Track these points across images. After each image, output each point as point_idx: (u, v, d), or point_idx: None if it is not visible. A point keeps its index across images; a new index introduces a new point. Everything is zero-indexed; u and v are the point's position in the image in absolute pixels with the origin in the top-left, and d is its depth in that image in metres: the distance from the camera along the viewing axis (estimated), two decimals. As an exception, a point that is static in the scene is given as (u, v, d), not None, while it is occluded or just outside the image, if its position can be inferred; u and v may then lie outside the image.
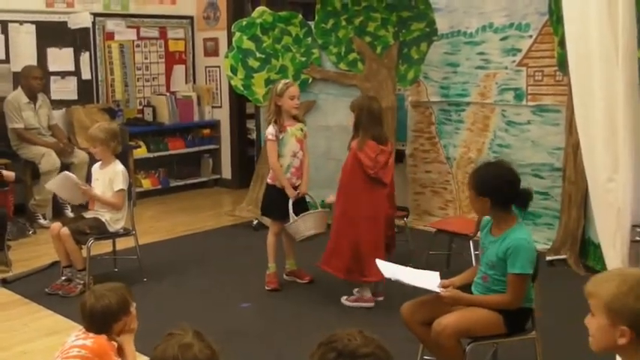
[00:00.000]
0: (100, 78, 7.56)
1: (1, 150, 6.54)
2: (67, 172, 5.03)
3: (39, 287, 4.78)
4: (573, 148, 5.12)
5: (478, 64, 6.13)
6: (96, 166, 4.95)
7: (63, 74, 7.23)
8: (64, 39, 7.20)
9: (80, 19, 7.24)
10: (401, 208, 5.56)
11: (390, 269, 3.37)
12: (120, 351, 2.65)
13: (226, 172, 8.38)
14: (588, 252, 5.16)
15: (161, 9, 8.02)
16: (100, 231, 4.77)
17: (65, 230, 4.61)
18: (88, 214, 4.88)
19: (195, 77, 8.40)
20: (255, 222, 6.33)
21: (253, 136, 8.12)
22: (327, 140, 6.12)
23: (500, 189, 2.97)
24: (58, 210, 6.71)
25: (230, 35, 6.78)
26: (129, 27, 7.75)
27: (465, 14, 6.19)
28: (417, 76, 6.25)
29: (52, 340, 3.89)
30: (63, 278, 4.76)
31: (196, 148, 8.24)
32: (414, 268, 3.54)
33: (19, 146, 6.52)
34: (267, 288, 4.78)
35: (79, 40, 7.31)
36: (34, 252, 5.65)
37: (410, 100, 6.65)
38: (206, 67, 8.34)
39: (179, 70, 8.27)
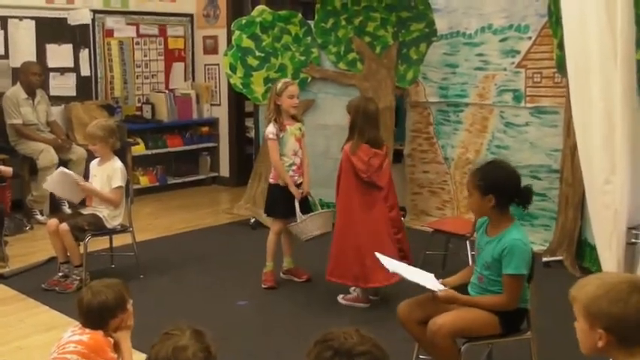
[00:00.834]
0: (99, 75, 7.56)
1: (-1, 145, 6.55)
2: (63, 168, 5.03)
3: (36, 283, 4.78)
4: (571, 150, 5.13)
5: (477, 65, 6.14)
6: (94, 163, 4.95)
7: (62, 70, 7.23)
8: (64, 35, 7.20)
9: (80, 16, 7.24)
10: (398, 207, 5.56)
11: (390, 263, 3.37)
12: (116, 347, 2.65)
13: (224, 170, 8.39)
14: (584, 253, 5.16)
15: (161, 6, 8.02)
16: (98, 227, 4.77)
17: (65, 226, 4.61)
18: (86, 211, 4.88)
19: (194, 75, 8.40)
20: (252, 220, 6.33)
21: (252, 134, 8.12)
22: (326, 139, 6.12)
23: (505, 187, 2.98)
24: (55, 206, 6.71)
25: (230, 33, 6.78)
26: (128, 24, 7.75)
27: (464, 15, 6.20)
28: (416, 76, 6.26)
29: (48, 335, 3.89)
30: (60, 274, 4.76)
31: (195, 146, 8.24)
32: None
33: (18, 142, 6.52)
34: (263, 286, 4.78)
35: (79, 36, 7.31)
36: (31, 248, 5.66)
37: (408, 101, 6.65)
38: (205, 65, 8.34)
39: (178, 68, 8.27)
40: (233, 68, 6.18)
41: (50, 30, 7.07)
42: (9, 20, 6.80)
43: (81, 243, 4.70)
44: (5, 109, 6.48)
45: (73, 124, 7.08)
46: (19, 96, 6.48)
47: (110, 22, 7.58)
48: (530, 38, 5.77)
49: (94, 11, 7.38)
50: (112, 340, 2.64)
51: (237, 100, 8.08)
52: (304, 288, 4.83)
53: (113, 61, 7.68)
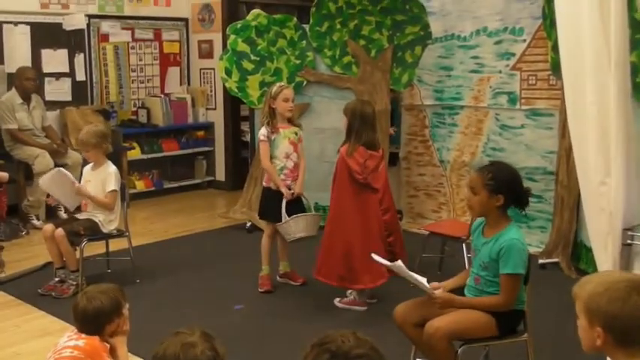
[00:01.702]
0: (94, 79, 7.55)
1: (-6, 151, 6.55)
2: (61, 169, 5.00)
3: (32, 288, 4.77)
4: (566, 152, 5.15)
5: (472, 68, 6.15)
6: (87, 168, 4.94)
7: (57, 75, 7.22)
8: (59, 40, 7.19)
9: (75, 21, 7.24)
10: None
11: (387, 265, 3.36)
12: (112, 352, 2.65)
13: (220, 174, 8.39)
14: (580, 255, 5.18)
15: (156, 11, 8.01)
16: (94, 232, 4.77)
17: (60, 231, 4.61)
18: (82, 216, 4.87)
19: (189, 79, 8.40)
20: (248, 224, 6.33)
21: (247, 138, 8.11)
22: (321, 142, 6.13)
23: (514, 188, 3.01)
24: (51, 211, 6.70)
25: (225, 37, 6.78)
26: (124, 29, 7.74)
27: (459, 18, 6.21)
28: (411, 79, 6.27)
29: (44, 341, 3.88)
30: (56, 279, 4.75)
31: (190, 150, 8.24)
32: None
33: (13, 147, 6.51)
34: (260, 290, 4.78)
35: (74, 41, 7.31)
36: (26, 253, 5.64)
37: (403, 104, 6.67)
38: (201, 69, 8.34)
39: (174, 72, 8.27)
40: (228, 72, 6.18)
41: (45, 35, 7.07)
42: (4, 25, 6.79)
43: (77, 248, 4.69)
44: (0, 114, 6.47)
45: (69, 128, 7.07)
46: (14, 101, 6.47)
47: (105, 26, 7.58)
48: (524, 41, 5.79)
49: (89, 16, 7.37)
50: (108, 345, 2.63)
51: (233, 104, 8.08)
52: (301, 291, 4.83)
53: (108, 66, 7.67)
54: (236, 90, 6.25)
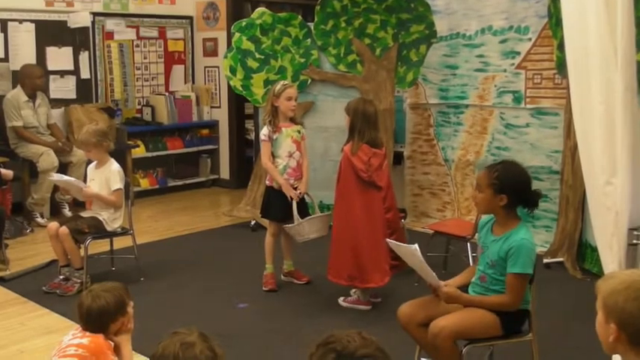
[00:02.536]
0: (99, 77, 7.56)
1: (-1, 148, 6.56)
2: (70, 178, 5.03)
3: (36, 286, 4.78)
4: (571, 151, 5.14)
5: (477, 67, 6.14)
6: (91, 166, 4.95)
7: (62, 73, 7.23)
8: (64, 38, 7.20)
9: (80, 19, 7.25)
10: (398, 209, 5.56)
11: (401, 249, 3.31)
12: (117, 350, 2.65)
13: (224, 173, 8.39)
14: (585, 255, 5.16)
15: (161, 9, 8.02)
16: (98, 230, 4.77)
17: (64, 229, 4.61)
18: (86, 214, 4.88)
19: (194, 77, 8.40)
20: (252, 222, 6.33)
21: (252, 136, 8.12)
22: (325, 141, 6.13)
23: (519, 189, 3.00)
24: (55, 209, 6.71)
25: (229, 36, 6.78)
26: (128, 27, 7.75)
27: (464, 17, 6.20)
28: (416, 78, 6.26)
29: (49, 338, 3.89)
30: (60, 277, 4.76)
31: (195, 148, 8.24)
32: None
33: (18, 145, 6.52)
34: (264, 288, 4.78)
35: (79, 39, 7.31)
36: (31, 251, 5.66)
37: (408, 102, 6.66)
38: (205, 67, 8.34)
39: (178, 70, 8.28)
40: (233, 70, 6.18)
41: (50, 33, 7.07)
42: (9, 23, 6.80)
43: (81, 246, 4.70)
44: (6, 111, 6.48)
45: (73, 126, 7.07)
46: (19, 99, 6.48)
47: (110, 24, 7.58)
48: (530, 39, 5.77)
49: (94, 14, 7.38)
50: (112, 343, 2.63)
51: (237, 102, 8.08)
52: (305, 290, 4.83)
53: (113, 64, 7.68)
54: (240, 88, 6.25)
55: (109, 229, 4.82)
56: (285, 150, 4.68)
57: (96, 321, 2.60)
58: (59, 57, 7.19)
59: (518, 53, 5.84)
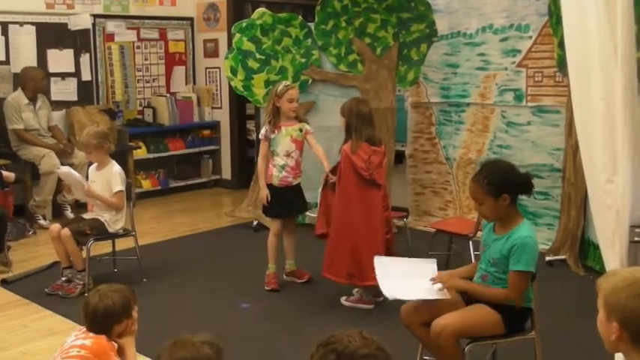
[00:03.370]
0: (100, 79, 7.56)
1: (1, 151, 6.56)
2: (77, 174, 5.00)
3: (39, 288, 4.78)
4: (573, 149, 5.13)
5: (478, 65, 6.14)
6: (92, 168, 4.95)
7: (63, 75, 7.23)
8: (65, 40, 7.20)
9: (80, 21, 7.25)
10: (401, 208, 5.56)
11: (386, 272, 3.33)
12: (120, 352, 2.65)
13: (226, 173, 8.39)
14: (588, 252, 5.16)
15: (161, 10, 8.02)
16: (100, 232, 4.78)
17: (66, 231, 4.62)
18: (88, 215, 4.89)
19: (195, 78, 8.41)
20: (255, 223, 6.33)
21: (253, 136, 8.12)
22: (327, 141, 6.09)
23: (513, 181, 2.99)
24: (57, 211, 6.72)
25: (230, 36, 6.78)
26: (129, 28, 7.75)
27: (464, 15, 6.20)
28: (417, 77, 6.26)
29: (51, 340, 3.89)
30: (63, 279, 4.76)
31: (196, 149, 8.25)
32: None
33: (19, 147, 6.52)
34: (266, 288, 4.78)
35: (79, 41, 7.32)
36: (33, 252, 5.66)
37: (410, 101, 6.66)
38: (206, 68, 8.35)
39: (179, 72, 8.28)
40: (234, 71, 6.18)
41: (51, 35, 7.08)
42: (10, 26, 6.81)
43: (83, 247, 4.70)
44: (7, 114, 6.49)
45: (75, 128, 7.08)
46: (20, 101, 6.48)
47: (111, 26, 7.59)
48: (530, 37, 5.77)
49: (95, 16, 7.38)
50: (115, 345, 2.63)
51: (239, 102, 8.08)
52: (307, 290, 4.83)
53: (114, 66, 7.69)
54: (241, 89, 6.26)
55: (111, 230, 4.82)
56: (283, 149, 4.70)
57: (100, 320, 2.60)
58: (60, 59, 7.19)
59: (519, 51, 5.84)
